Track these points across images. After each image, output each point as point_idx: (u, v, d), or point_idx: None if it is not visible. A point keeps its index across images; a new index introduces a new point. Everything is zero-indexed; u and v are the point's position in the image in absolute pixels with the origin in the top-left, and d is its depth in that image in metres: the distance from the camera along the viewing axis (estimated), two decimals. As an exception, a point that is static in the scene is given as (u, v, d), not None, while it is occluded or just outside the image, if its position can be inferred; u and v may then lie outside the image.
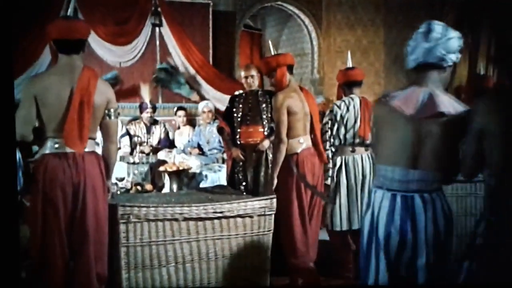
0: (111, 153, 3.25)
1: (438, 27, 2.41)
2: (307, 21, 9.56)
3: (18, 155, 3.59)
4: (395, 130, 2.43)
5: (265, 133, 4.80)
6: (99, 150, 3.27)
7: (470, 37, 9.50)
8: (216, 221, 3.40)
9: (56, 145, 3.03)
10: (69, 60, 3.07)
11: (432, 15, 9.67)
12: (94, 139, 3.18)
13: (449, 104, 2.35)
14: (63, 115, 3.00)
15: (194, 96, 7.60)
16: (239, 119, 4.84)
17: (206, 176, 5.98)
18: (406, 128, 2.39)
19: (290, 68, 4.13)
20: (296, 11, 9.49)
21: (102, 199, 3.12)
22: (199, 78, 7.91)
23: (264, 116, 4.83)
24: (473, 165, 2.31)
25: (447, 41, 2.39)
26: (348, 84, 4.41)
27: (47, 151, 3.04)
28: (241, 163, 4.77)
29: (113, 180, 5.23)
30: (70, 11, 3.22)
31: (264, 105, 4.84)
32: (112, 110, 3.15)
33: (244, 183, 4.74)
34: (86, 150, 3.07)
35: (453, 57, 2.42)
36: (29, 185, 3.13)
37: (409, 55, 2.48)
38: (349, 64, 4.58)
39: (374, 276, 2.47)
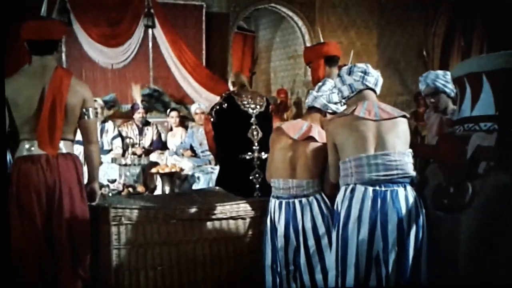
0: (93, 154, 3.20)
1: (329, 83, 3.19)
2: (300, 23, 9.57)
3: (9, 156, 3.56)
4: (281, 149, 3.14)
5: None
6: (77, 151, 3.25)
7: (463, 39, 9.54)
8: (208, 223, 3.39)
9: (32, 148, 3.01)
10: (42, 61, 3.04)
11: (426, 18, 9.71)
12: (71, 140, 3.13)
13: (318, 133, 3.09)
14: (36, 117, 2.97)
15: (183, 111, 7.62)
16: None
17: (198, 178, 5.95)
18: (288, 148, 3.11)
19: (329, 60, 3.89)
20: (290, 13, 9.50)
21: (79, 201, 3.08)
22: (191, 80, 7.91)
23: None
24: (337, 170, 2.88)
25: (331, 93, 3.16)
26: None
27: (21, 154, 3.01)
28: None
29: (105, 182, 5.23)
30: (43, 11, 3.20)
31: None
32: (90, 109, 3.11)
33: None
34: (62, 151, 3.04)
35: (333, 107, 3.16)
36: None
37: (307, 98, 3.28)
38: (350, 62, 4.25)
39: (271, 258, 3.16)
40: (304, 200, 3.08)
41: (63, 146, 3.05)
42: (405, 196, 2.69)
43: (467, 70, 2.94)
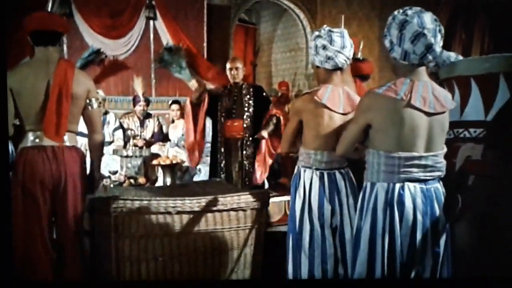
0: (97, 143, 3.27)
1: (337, 36, 2.95)
2: (302, 15, 9.56)
3: (11, 147, 3.58)
4: (325, 123, 2.95)
5: (244, 125, 4.84)
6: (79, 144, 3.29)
7: (464, 32, 9.52)
8: (209, 214, 3.40)
9: (37, 139, 3.04)
10: (45, 52, 3.07)
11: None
12: (74, 132, 3.18)
13: (356, 97, 2.96)
14: (41, 107, 3.01)
15: (193, 83, 7.60)
16: (223, 113, 4.87)
17: (199, 169, 5.97)
18: (334, 121, 2.95)
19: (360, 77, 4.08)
20: (291, 5, 9.48)
21: (81, 195, 3.15)
22: (192, 71, 7.91)
23: (246, 109, 4.84)
24: (352, 148, 2.74)
25: (350, 49, 2.97)
26: (357, 77, 4.06)
27: (27, 144, 3.05)
28: (223, 153, 4.83)
29: (106, 173, 5.25)
30: (48, 7, 3.27)
31: (247, 98, 4.85)
32: (93, 99, 3.16)
33: (224, 174, 4.82)
34: (67, 144, 3.08)
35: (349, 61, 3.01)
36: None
37: (329, 59, 2.96)
38: (360, 55, 4.32)
39: (309, 238, 3.01)
40: (343, 171, 3.05)
41: (67, 139, 3.09)
42: (442, 192, 2.57)
43: (455, 72, 2.88)
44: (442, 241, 2.54)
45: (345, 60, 2.98)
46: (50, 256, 3.06)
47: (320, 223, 3.00)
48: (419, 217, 2.49)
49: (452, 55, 3.51)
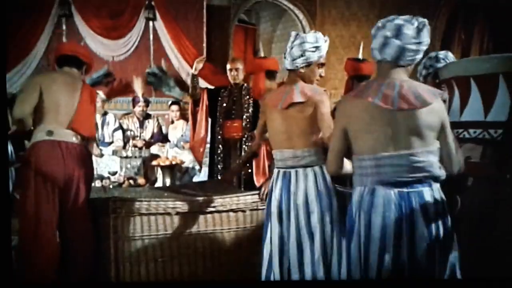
0: (93, 148, 3.59)
1: (296, 37, 3.02)
2: (301, 16, 9.54)
3: (10, 148, 3.60)
4: (272, 121, 3.06)
5: (243, 125, 4.79)
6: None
7: (463, 32, 9.51)
8: (208, 215, 3.41)
9: (48, 136, 3.15)
10: (71, 71, 3.39)
11: (427, 11, 9.68)
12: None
13: (301, 94, 2.92)
14: (65, 104, 3.24)
15: (185, 97, 7.64)
16: (223, 113, 4.85)
17: (199, 170, 5.97)
18: (278, 118, 3.00)
19: (269, 74, 4.29)
20: (291, 6, 9.46)
21: (88, 192, 3.31)
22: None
23: (245, 110, 4.81)
24: (338, 160, 2.56)
25: (290, 50, 2.99)
26: (357, 78, 4.17)
27: (41, 139, 3.15)
28: (222, 154, 4.80)
29: (106, 174, 5.26)
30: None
31: (246, 99, 4.83)
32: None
33: (223, 175, 4.79)
34: (78, 143, 3.25)
35: (301, 61, 2.97)
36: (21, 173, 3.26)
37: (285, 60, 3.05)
38: (360, 55, 4.38)
39: (270, 233, 3.02)
40: (300, 170, 2.94)
41: (76, 139, 3.26)
42: (432, 196, 2.35)
43: (455, 72, 2.88)
44: (424, 246, 2.34)
45: (289, 62, 3.01)
46: (58, 256, 3.15)
47: (277, 221, 3.00)
48: (389, 222, 2.34)
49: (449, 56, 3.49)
